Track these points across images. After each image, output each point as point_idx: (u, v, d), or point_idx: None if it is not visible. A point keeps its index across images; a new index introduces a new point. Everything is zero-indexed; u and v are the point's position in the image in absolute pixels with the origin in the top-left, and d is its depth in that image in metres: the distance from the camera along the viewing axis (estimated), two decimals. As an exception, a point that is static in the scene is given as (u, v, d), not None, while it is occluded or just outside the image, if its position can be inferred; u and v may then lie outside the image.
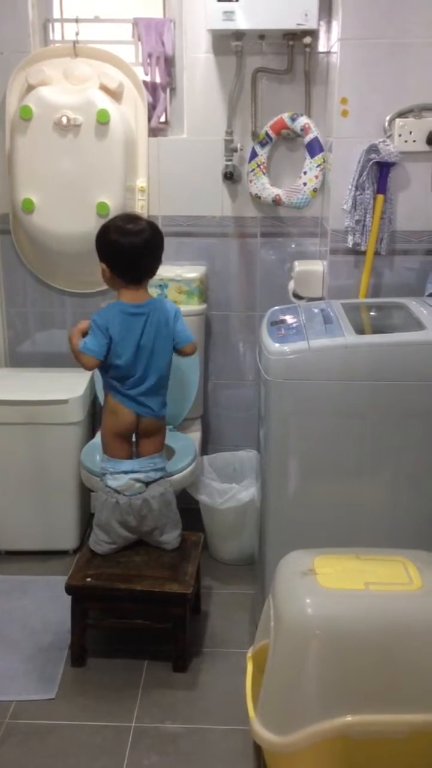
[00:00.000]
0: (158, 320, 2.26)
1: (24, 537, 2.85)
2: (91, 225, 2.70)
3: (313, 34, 2.63)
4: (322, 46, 2.70)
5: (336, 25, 2.48)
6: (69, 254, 2.86)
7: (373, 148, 2.35)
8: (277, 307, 2.38)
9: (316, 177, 2.69)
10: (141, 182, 2.87)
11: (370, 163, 2.36)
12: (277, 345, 2.03)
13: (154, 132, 2.87)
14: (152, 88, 2.85)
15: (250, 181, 2.81)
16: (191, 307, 2.77)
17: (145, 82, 2.82)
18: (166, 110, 2.89)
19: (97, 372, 2.46)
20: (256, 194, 2.80)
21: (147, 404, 2.29)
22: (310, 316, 2.22)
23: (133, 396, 2.27)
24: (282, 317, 2.23)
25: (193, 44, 2.77)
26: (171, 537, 2.35)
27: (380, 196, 2.40)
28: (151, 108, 2.85)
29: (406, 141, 2.38)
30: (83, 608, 2.26)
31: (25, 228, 2.85)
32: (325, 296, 2.60)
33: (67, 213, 2.78)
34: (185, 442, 2.71)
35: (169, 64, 2.83)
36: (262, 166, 2.77)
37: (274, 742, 1.74)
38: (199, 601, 2.51)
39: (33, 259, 2.98)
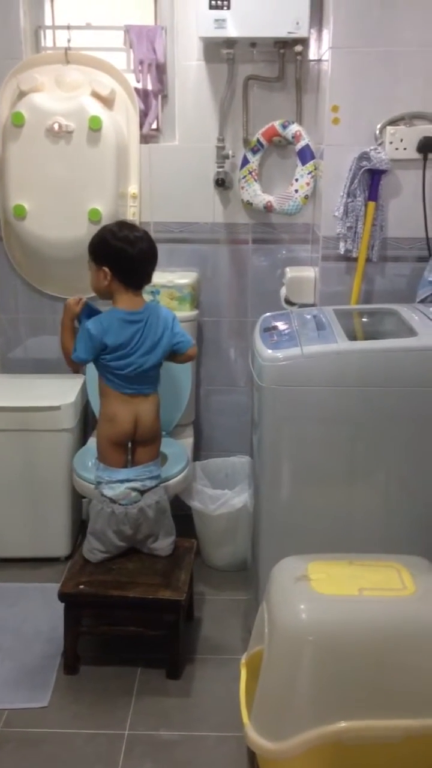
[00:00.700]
0: (156, 326, 2.27)
1: (15, 544, 2.84)
2: (83, 231, 2.71)
3: (304, 42, 2.64)
4: (312, 54, 2.72)
5: (327, 34, 2.50)
6: (61, 260, 2.86)
7: (364, 156, 2.36)
8: (269, 314, 2.39)
9: (308, 184, 2.70)
10: (133, 189, 2.88)
11: (362, 170, 2.37)
12: (270, 351, 2.03)
13: (145, 139, 2.88)
14: (144, 95, 2.85)
15: (242, 188, 2.82)
16: (183, 313, 2.78)
17: (136, 89, 2.83)
18: (157, 117, 2.90)
19: (90, 379, 2.47)
20: (248, 201, 2.81)
21: (143, 383, 2.29)
22: (303, 323, 2.22)
23: (124, 375, 2.27)
24: (275, 323, 2.24)
25: (184, 52, 2.78)
26: (165, 544, 2.35)
27: (372, 204, 2.41)
28: (143, 115, 2.86)
29: (397, 148, 2.40)
30: (76, 615, 2.25)
31: (16, 234, 2.85)
32: (317, 302, 2.61)
33: (59, 219, 2.78)
34: (177, 448, 2.71)
35: (160, 71, 2.84)
36: (253, 173, 2.78)
37: (268, 748, 1.74)
38: (192, 608, 2.50)
39: (24, 265, 2.98)
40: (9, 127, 2.72)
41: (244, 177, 2.80)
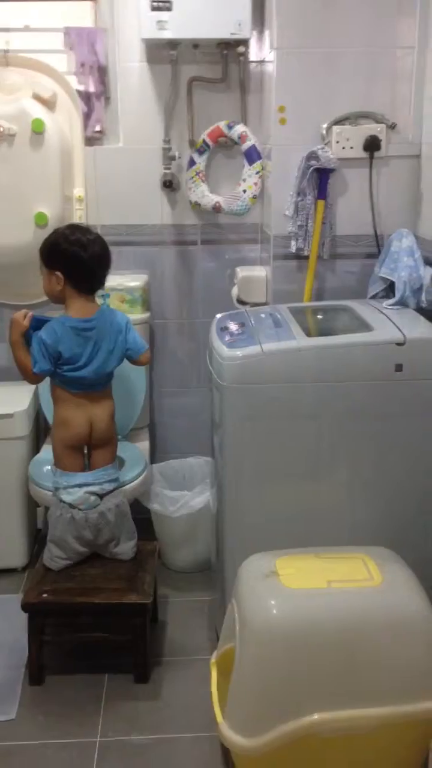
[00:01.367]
0: (109, 332, 2.25)
1: (-30, 556, 2.78)
2: (30, 236, 2.67)
3: (246, 43, 2.67)
4: (255, 55, 2.74)
5: (269, 35, 2.52)
6: (7, 266, 2.81)
7: (312, 155, 2.39)
8: (225, 313, 2.40)
9: (255, 184, 2.73)
10: (78, 192, 2.85)
11: (310, 169, 2.40)
12: (230, 350, 2.04)
13: (90, 141, 2.85)
14: (86, 98, 2.83)
15: (189, 189, 2.82)
16: (134, 315, 2.75)
17: (78, 92, 2.80)
18: (101, 119, 2.87)
19: (41, 385, 2.43)
20: (196, 202, 2.82)
21: (96, 382, 2.27)
22: (259, 321, 2.24)
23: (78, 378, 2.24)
24: (231, 323, 2.24)
25: (126, 53, 2.77)
26: (127, 548, 2.33)
27: (321, 202, 2.44)
28: (86, 117, 2.83)
29: (343, 148, 2.44)
30: (40, 625, 2.21)
31: (-39, 240, 2.79)
32: (269, 301, 2.63)
33: (5, 224, 2.73)
34: (134, 451, 2.70)
35: (102, 73, 2.82)
36: (200, 174, 2.79)
37: (243, 745, 1.74)
38: (156, 611, 2.49)
39: (-31, 271, 2.92)
40: None
41: (192, 178, 2.80)
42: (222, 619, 2.02)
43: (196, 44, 2.70)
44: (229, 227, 2.90)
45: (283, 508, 2.10)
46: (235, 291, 2.75)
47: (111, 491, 2.30)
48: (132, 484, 2.50)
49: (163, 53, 2.70)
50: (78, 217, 2.85)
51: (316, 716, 1.71)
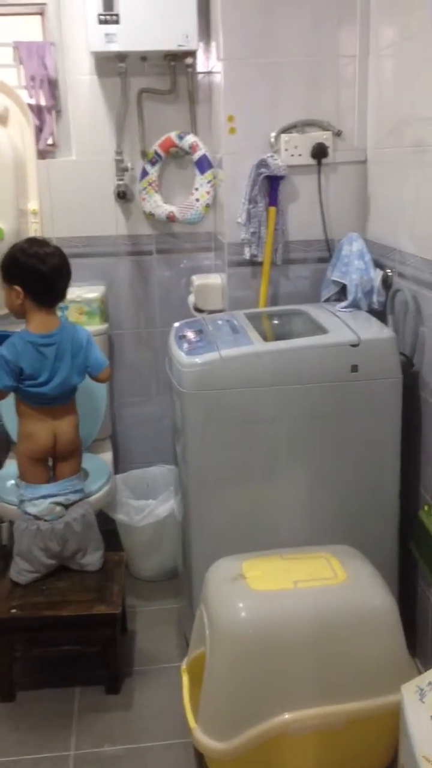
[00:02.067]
0: (70, 348, 2.25)
1: None
2: (-14, 250, 2.66)
3: (193, 54, 2.70)
4: (202, 66, 2.77)
5: (215, 46, 2.56)
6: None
7: (262, 163, 2.43)
8: (182, 321, 2.42)
9: (208, 193, 2.76)
10: (33, 205, 2.84)
11: (261, 176, 2.43)
12: (188, 357, 2.06)
13: (42, 154, 2.86)
14: (38, 111, 2.83)
15: (143, 200, 2.84)
16: (93, 327, 2.76)
17: (30, 105, 2.81)
18: (53, 132, 2.88)
19: (2, 402, 2.43)
20: (150, 212, 2.84)
21: (58, 396, 2.27)
22: (216, 328, 2.26)
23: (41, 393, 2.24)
24: (189, 330, 2.27)
25: (75, 66, 2.79)
26: (94, 558, 2.33)
27: (272, 209, 2.48)
28: (38, 131, 2.84)
29: (292, 155, 2.48)
30: (9, 641, 2.20)
31: None
32: (225, 308, 2.65)
33: (-41, 239, 2.71)
34: (98, 462, 2.70)
35: (52, 86, 2.83)
36: (153, 184, 2.81)
37: (217, 749, 1.76)
38: (125, 621, 2.49)
39: None
40: None
41: (145, 188, 2.82)
42: (191, 626, 2.03)
43: (144, 56, 2.72)
44: (183, 236, 2.93)
45: (247, 511, 2.12)
46: (191, 299, 2.78)
47: (76, 502, 2.30)
48: (97, 495, 2.50)
49: (112, 66, 2.72)
50: (34, 230, 2.85)
51: (287, 715, 1.74)
